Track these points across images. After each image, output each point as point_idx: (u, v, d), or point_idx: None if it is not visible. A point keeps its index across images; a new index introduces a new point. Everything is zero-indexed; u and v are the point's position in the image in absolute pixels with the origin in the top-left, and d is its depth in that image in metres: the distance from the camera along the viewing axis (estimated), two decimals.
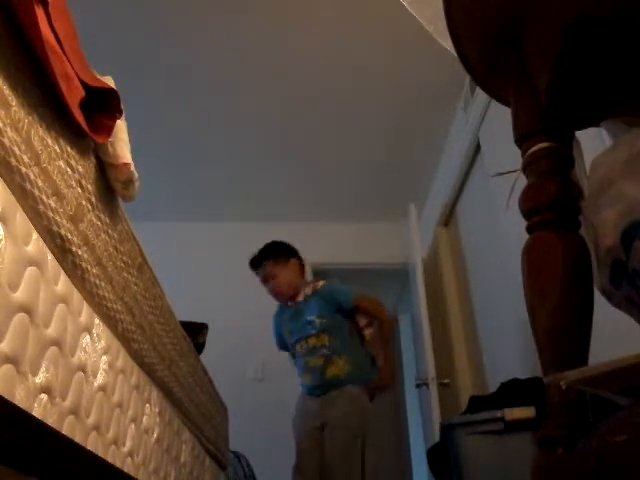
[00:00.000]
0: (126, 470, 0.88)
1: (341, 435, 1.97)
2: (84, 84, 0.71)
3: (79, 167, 0.72)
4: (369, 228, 3.90)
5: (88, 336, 0.74)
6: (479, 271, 2.89)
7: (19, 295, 0.55)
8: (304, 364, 2.15)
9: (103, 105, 0.77)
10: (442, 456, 1.73)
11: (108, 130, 0.77)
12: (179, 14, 2.30)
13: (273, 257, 2.29)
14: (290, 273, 2.27)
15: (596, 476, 0.50)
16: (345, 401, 2.02)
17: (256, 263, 2.32)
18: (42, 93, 0.63)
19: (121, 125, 0.83)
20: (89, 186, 0.75)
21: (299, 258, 2.37)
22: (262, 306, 3.52)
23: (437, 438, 1.99)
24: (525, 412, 1.40)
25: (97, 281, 0.76)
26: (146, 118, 2.86)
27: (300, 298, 2.26)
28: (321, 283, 2.28)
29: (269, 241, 2.39)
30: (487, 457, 1.50)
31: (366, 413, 2.03)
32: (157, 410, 1.11)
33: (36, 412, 0.58)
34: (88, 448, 0.72)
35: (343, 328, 2.14)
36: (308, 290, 2.26)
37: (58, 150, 0.65)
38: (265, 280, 2.31)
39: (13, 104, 0.55)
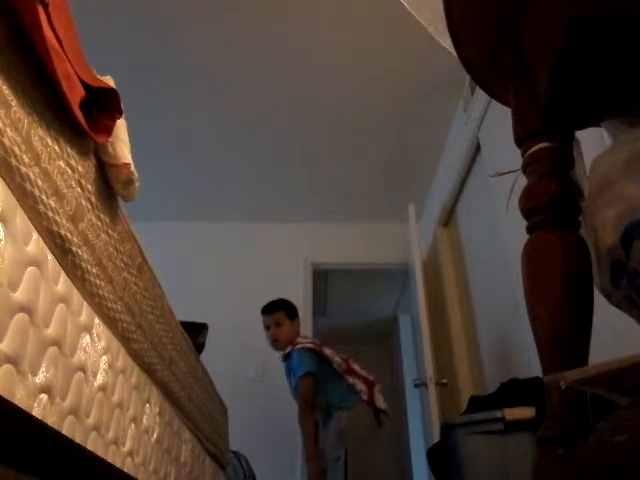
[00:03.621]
0: (126, 470, 0.88)
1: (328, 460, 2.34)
2: (84, 84, 0.71)
3: (79, 167, 0.72)
4: (369, 228, 3.90)
5: (88, 336, 0.74)
6: (479, 271, 2.89)
7: (19, 295, 0.55)
8: None
9: (103, 105, 0.77)
10: (442, 456, 1.73)
11: (108, 130, 0.77)
12: (180, 14, 2.30)
13: (286, 309, 2.66)
14: (293, 329, 2.63)
15: (596, 476, 0.50)
16: (328, 434, 2.40)
17: (269, 309, 2.67)
18: (42, 93, 0.63)
19: (121, 125, 0.83)
20: (89, 186, 0.75)
21: (298, 319, 2.74)
22: (262, 306, 3.53)
23: (437, 438, 1.99)
24: (525, 412, 1.40)
25: (97, 281, 0.76)
26: (146, 118, 2.86)
27: (287, 351, 2.56)
28: (292, 348, 2.55)
29: (280, 298, 2.75)
30: (487, 457, 1.50)
31: (343, 435, 2.32)
32: (157, 410, 1.10)
33: (36, 412, 0.58)
34: (88, 448, 0.72)
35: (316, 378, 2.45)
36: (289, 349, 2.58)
37: (58, 150, 0.65)
38: (268, 327, 2.65)
39: (13, 104, 0.55)
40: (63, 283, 0.66)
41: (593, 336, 0.64)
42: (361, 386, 2.42)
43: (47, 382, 0.60)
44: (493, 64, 0.81)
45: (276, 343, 2.64)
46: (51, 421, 0.61)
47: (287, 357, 2.54)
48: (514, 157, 0.79)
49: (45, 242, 0.62)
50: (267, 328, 2.65)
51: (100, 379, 0.78)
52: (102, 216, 0.80)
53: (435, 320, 3.11)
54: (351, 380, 2.43)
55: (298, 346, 2.50)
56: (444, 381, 2.78)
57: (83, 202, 0.72)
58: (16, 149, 0.54)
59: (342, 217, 3.88)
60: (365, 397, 2.39)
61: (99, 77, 0.78)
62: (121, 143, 0.82)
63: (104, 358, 0.80)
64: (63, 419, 0.65)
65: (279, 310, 2.65)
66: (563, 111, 0.72)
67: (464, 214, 3.14)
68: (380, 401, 2.43)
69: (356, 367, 2.50)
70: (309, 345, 2.51)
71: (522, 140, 0.73)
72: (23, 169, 0.55)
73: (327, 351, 2.50)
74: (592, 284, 0.65)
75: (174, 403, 1.25)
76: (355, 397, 2.39)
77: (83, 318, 0.72)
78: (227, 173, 3.47)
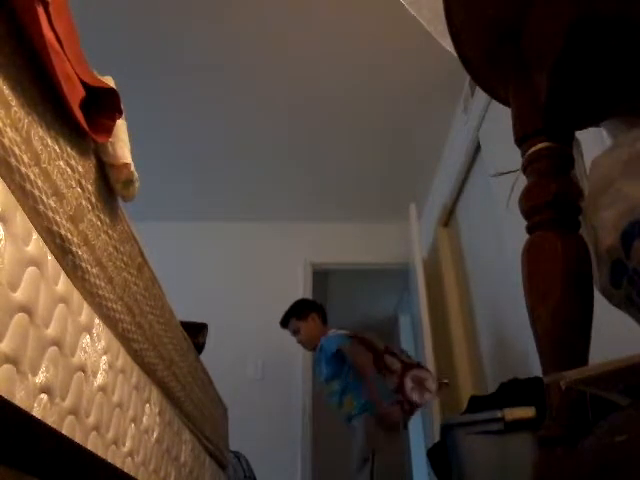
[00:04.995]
0: (126, 470, 0.88)
1: (354, 461, 2.30)
2: (84, 84, 0.71)
3: (79, 167, 0.72)
4: (369, 228, 3.91)
5: (88, 336, 0.74)
6: (479, 271, 2.89)
7: (19, 295, 0.55)
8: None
9: (103, 105, 0.77)
10: (442, 456, 1.73)
11: (108, 130, 0.77)
12: (179, 13, 2.30)
13: (295, 314, 2.65)
14: (311, 326, 2.61)
15: (596, 476, 0.50)
16: (355, 433, 2.33)
17: (283, 323, 2.69)
18: (42, 93, 0.63)
19: (121, 125, 0.83)
20: (89, 186, 0.75)
21: (319, 311, 2.68)
22: (262, 306, 3.53)
23: (437, 438, 1.99)
24: (525, 412, 1.40)
25: (97, 281, 0.76)
26: (146, 118, 2.86)
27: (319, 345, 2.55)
28: (323, 337, 2.55)
29: (290, 305, 2.72)
30: (487, 457, 1.50)
31: (371, 436, 2.24)
32: (157, 410, 1.10)
33: (36, 412, 0.58)
34: (88, 448, 0.72)
35: (345, 371, 2.41)
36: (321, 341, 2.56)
37: (58, 150, 0.65)
38: (293, 334, 2.69)
39: (13, 104, 0.55)
40: (63, 283, 0.66)
41: (593, 336, 0.64)
42: (393, 382, 2.36)
43: (47, 382, 0.60)
44: (493, 64, 0.81)
45: (305, 347, 2.71)
46: (51, 421, 0.61)
47: (318, 350, 2.54)
48: (514, 157, 0.79)
49: (45, 242, 0.62)
50: (293, 336, 2.72)
51: (100, 379, 0.78)
52: (102, 216, 0.80)
53: (435, 320, 3.11)
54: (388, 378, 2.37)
55: (323, 337, 2.51)
56: (446, 381, 2.78)
57: (83, 202, 0.72)
58: (16, 149, 0.54)
59: (342, 217, 3.88)
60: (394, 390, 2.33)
61: (99, 77, 0.78)
62: (121, 143, 0.82)
63: (104, 358, 0.80)
64: (63, 419, 0.65)
65: (290, 318, 2.67)
66: (563, 111, 0.72)
67: (464, 214, 3.14)
68: (415, 395, 2.33)
69: (388, 361, 2.40)
70: (342, 332, 2.50)
71: (522, 140, 0.73)
72: (23, 169, 0.55)
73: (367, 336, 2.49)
74: (592, 284, 0.65)
75: (174, 403, 1.25)
76: (387, 395, 2.30)
77: (83, 318, 0.72)
78: (227, 173, 3.47)
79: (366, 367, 2.32)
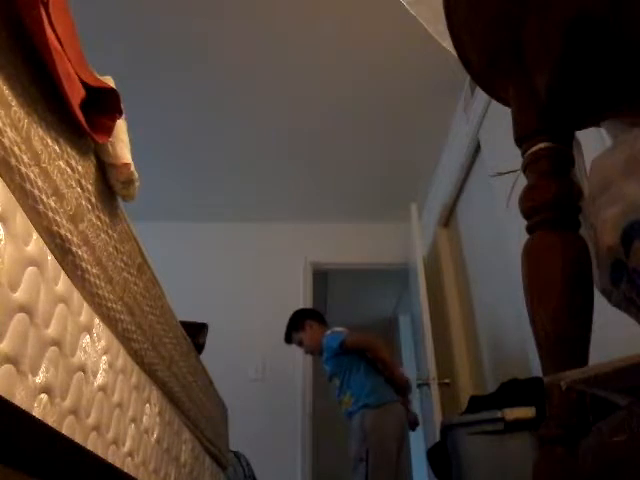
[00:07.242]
0: (126, 470, 0.88)
1: (353, 459, 2.31)
2: (84, 84, 0.71)
3: (79, 167, 0.72)
4: (369, 228, 3.91)
5: (88, 336, 0.74)
6: (479, 271, 2.89)
7: (19, 295, 0.55)
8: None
9: (103, 105, 0.77)
10: (442, 456, 1.73)
11: (108, 130, 0.77)
12: (180, 14, 2.30)
13: (293, 328, 2.70)
14: (310, 334, 2.64)
15: (596, 476, 0.50)
16: (352, 431, 2.36)
17: (287, 339, 2.74)
18: (42, 93, 0.63)
19: (121, 125, 0.83)
20: (89, 186, 0.75)
21: (314, 316, 2.73)
22: (262, 306, 3.53)
23: (437, 438, 1.99)
24: (525, 412, 1.40)
25: (97, 281, 0.76)
26: (146, 118, 2.86)
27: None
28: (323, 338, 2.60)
29: (288, 321, 2.75)
30: (487, 457, 1.50)
31: (367, 435, 2.27)
32: (157, 410, 1.10)
33: (36, 412, 0.58)
34: (88, 448, 0.72)
35: (343, 368, 2.45)
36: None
37: (58, 150, 0.65)
38: (299, 346, 2.75)
39: (13, 104, 0.55)
40: (63, 283, 0.66)
41: (593, 336, 0.64)
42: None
43: (47, 382, 0.60)
44: (493, 64, 0.80)
45: (312, 355, 2.80)
46: (51, 421, 0.61)
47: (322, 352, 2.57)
48: (514, 157, 0.79)
49: (45, 242, 0.62)
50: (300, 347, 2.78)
51: (100, 379, 0.78)
52: (102, 216, 0.80)
53: (435, 320, 3.11)
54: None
55: (324, 335, 2.55)
56: (446, 381, 2.78)
57: (83, 202, 0.72)
58: (16, 149, 0.54)
59: (342, 217, 3.88)
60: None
61: (99, 77, 0.78)
62: (121, 143, 0.82)
63: (104, 358, 0.80)
64: (63, 419, 0.65)
65: (290, 333, 2.71)
66: (563, 111, 0.72)
67: (464, 214, 3.14)
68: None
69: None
70: (338, 329, 2.56)
71: (522, 140, 0.73)
72: (23, 169, 0.55)
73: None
74: (592, 284, 0.65)
75: (174, 403, 1.25)
76: (387, 393, 2.36)
77: (83, 318, 0.72)
78: (227, 173, 3.47)
79: (372, 341, 2.43)
